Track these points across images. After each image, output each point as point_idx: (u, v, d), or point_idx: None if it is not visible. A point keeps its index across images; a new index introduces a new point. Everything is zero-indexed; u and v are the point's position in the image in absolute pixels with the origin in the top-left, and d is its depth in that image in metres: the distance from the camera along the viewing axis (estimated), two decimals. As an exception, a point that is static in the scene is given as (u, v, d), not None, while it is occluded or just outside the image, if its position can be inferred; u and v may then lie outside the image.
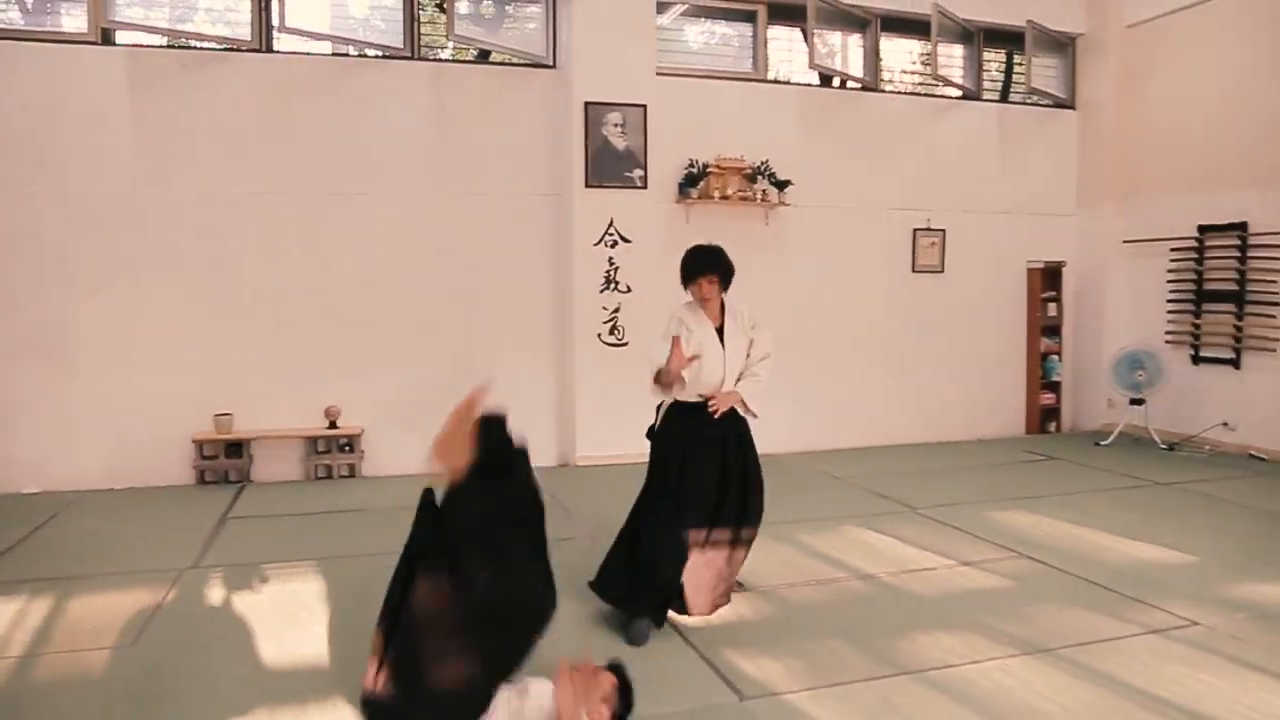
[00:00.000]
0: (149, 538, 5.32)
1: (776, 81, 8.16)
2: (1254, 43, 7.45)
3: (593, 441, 7.29)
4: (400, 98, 7.00)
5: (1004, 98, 8.93)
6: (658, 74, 7.38)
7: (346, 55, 7.07)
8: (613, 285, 7.29)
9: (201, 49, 6.77)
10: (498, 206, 7.24)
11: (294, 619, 4.05)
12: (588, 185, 7.15)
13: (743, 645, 3.77)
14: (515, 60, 7.38)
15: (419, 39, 7.14)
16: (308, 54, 6.96)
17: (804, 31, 7.97)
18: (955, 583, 4.58)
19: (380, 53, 7.10)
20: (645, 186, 7.32)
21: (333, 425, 6.88)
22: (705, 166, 7.56)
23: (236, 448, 6.72)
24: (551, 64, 7.35)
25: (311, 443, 6.87)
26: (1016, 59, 8.91)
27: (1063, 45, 8.83)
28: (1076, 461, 7.51)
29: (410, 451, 7.18)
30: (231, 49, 6.72)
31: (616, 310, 7.31)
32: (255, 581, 4.54)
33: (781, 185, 7.78)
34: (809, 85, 8.27)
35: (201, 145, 6.62)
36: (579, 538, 5.35)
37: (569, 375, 7.32)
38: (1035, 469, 7.31)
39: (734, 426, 4.19)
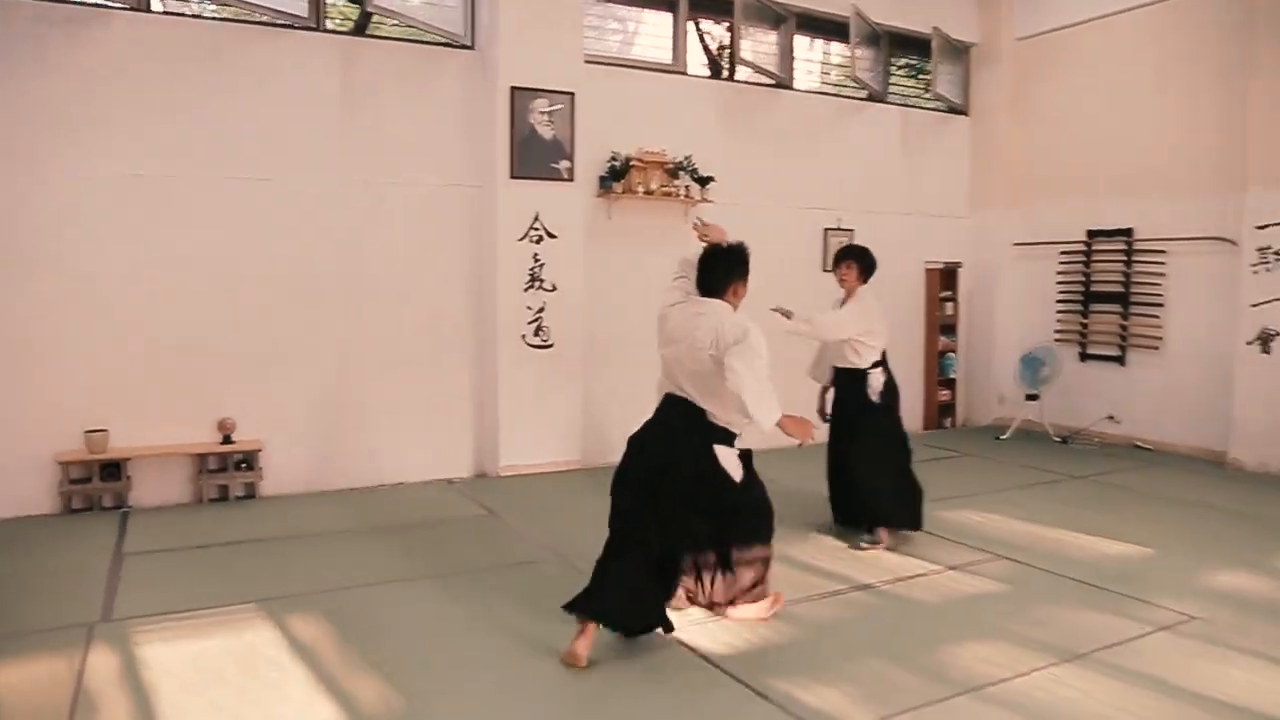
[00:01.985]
0: (29, 586, 4.44)
1: (697, 75, 7.96)
2: (1138, 60, 7.92)
3: (516, 450, 6.82)
4: (304, 73, 6.26)
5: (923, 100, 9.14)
6: (585, 62, 7.01)
7: (240, 21, 6.24)
8: (538, 283, 6.84)
9: (67, 2, 5.77)
10: (413, 197, 6.63)
11: (265, 679, 3.43)
12: (513, 176, 6.67)
13: (787, 673, 3.51)
14: (431, 39, 6.78)
15: (324, 8, 6.42)
16: (195, 16, 6.11)
17: (727, 26, 7.82)
18: (954, 588, 4.51)
19: (281, 21, 6.32)
20: (572, 179, 6.92)
21: (227, 440, 6.07)
22: (628, 160, 7.24)
23: (112, 468, 5.79)
24: (470, 45, 6.81)
25: (202, 460, 6.03)
26: (917, 63, 9.14)
27: (958, 53, 9.12)
28: (986, 457, 7.75)
29: (317, 467, 6.57)
30: (103, 5, 5.79)
31: (541, 310, 6.86)
32: (193, 634, 3.85)
33: (704, 181, 7.57)
34: (728, 80, 8.12)
35: (66, 118, 5.65)
36: (541, 560, 4.92)
37: (490, 379, 6.82)
38: (954, 466, 7.47)
39: None
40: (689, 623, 3.98)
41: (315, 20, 6.33)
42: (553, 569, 4.72)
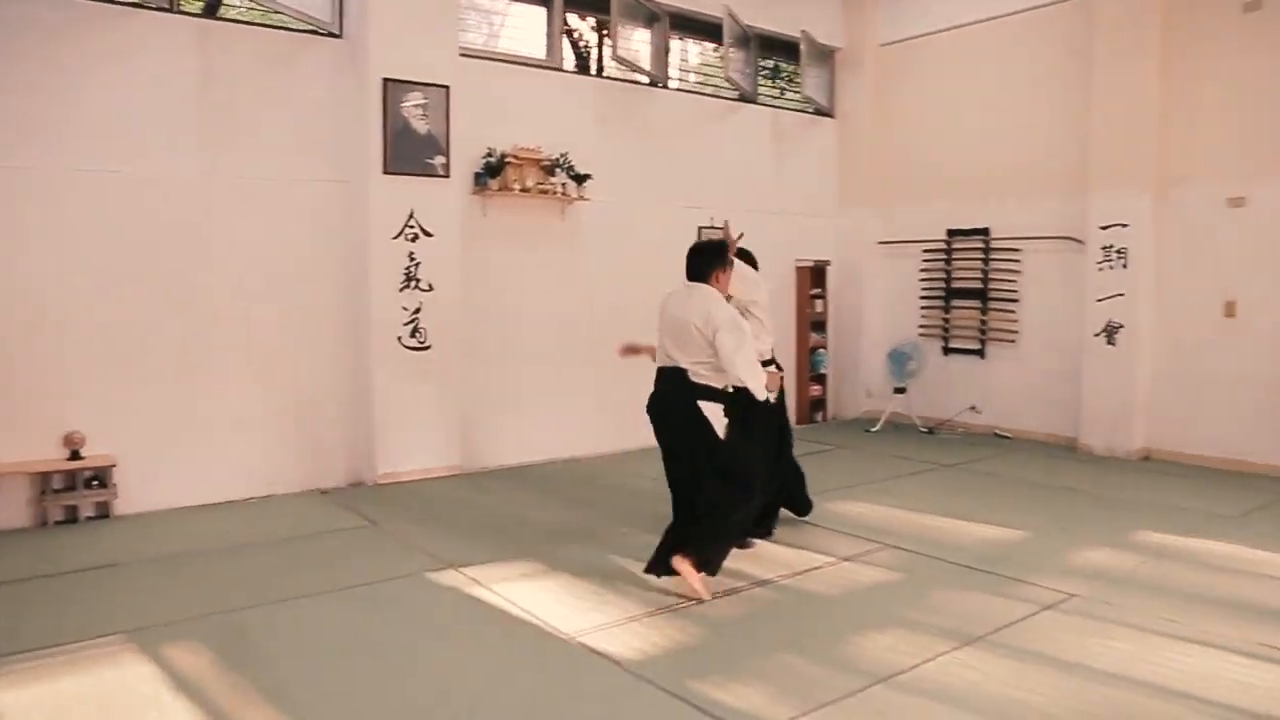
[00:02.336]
0: None
1: (573, 72, 7.86)
2: (994, 68, 8.35)
3: (394, 456, 6.54)
4: (156, 57, 5.78)
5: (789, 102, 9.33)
6: (459, 55, 6.79)
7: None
8: (413, 283, 6.58)
9: None
10: (278, 192, 6.24)
11: None
12: (386, 172, 6.38)
13: (702, 674, 3.47)
14: (295, 25, 6.41)
15: (176, -12, 5.96)
16: (28, -7, 5.55)
17: (603, 22, 7.75)
18: (850, 580, 4.59)
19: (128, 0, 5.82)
20: (448, 175, 6.69)
21: (75, 456, 5.54)
22: (504, 157, 7.07)
23: (-63, 492, 5.20)
24: (339, 33, 6.48)
25: (45, 479, 5.48)
26: (784, 66, 9.34)
27: (825, 57, 9.37)
28: (860, 449, 8.00)
29: (178, 481, 6.08)
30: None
31: (418, 310, 6.61)
32: (51, 675, 3.46)
33: (580, 179, 7.48)
34: (603, 78, 8.05)
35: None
36: (431, 571, 4.71)
37: (365, 383, 6.51)
38: (832, 458, 7.66)
39: None
40: (594, 628, 3.90)
41: (168, 0, 5.87)
42: (446, 580, 4.52)
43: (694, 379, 4.37)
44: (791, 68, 9.53)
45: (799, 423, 9.27)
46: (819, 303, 9.35)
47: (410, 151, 6.48)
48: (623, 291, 7.94)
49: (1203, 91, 7.01)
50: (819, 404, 9.44)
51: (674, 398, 4.41)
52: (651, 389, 4.56)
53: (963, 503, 6.07)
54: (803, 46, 8.84)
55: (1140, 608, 4.17)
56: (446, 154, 6.65)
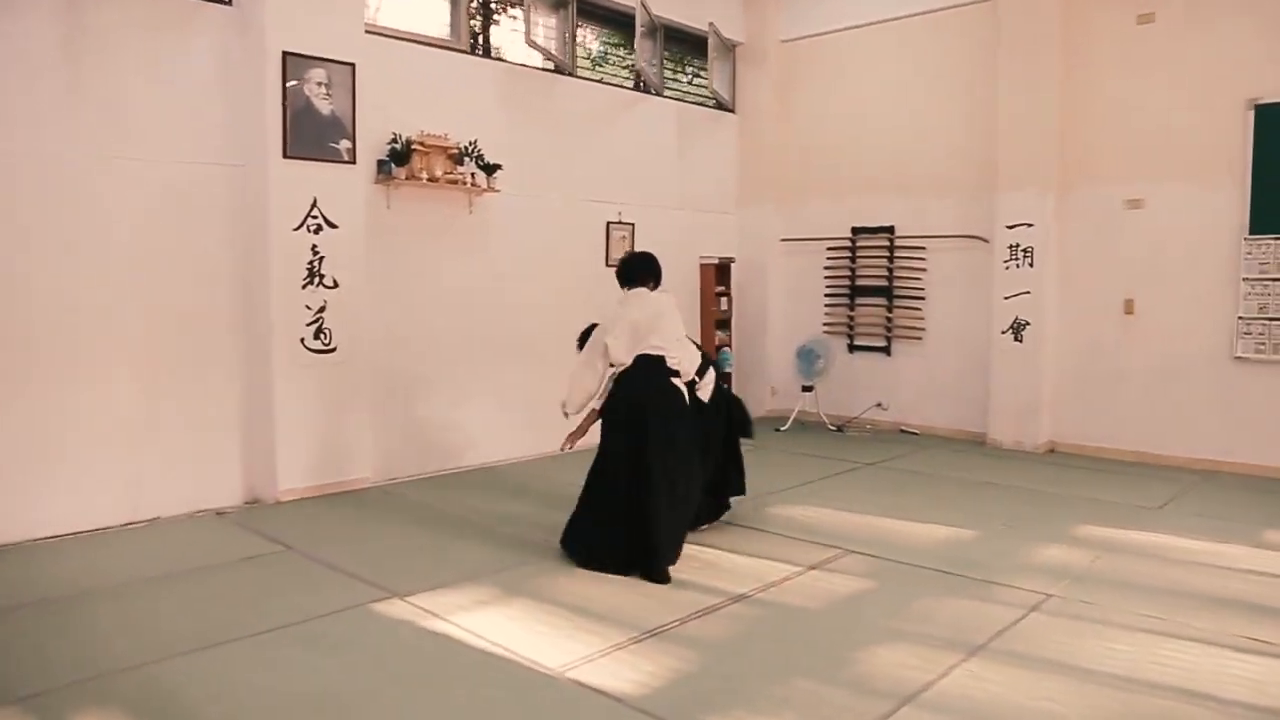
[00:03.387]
0: None
1: (479, 55, 7.35)
2: (899, 68, 8.44)
3: (298, 470, 5.91)
4: (18, 22, 4.95)
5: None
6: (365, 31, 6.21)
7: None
8: (317, 279, 5.96)
9: None
10: (162, 177, 5.49)
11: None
12: (286, 155, 5.74)
13: (717, 707, 3.17)
14: (174, -14, 5.66)
15: (34, -64, 5.12)
16: None
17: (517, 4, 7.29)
18: (826, 590, 4.40)
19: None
20: (354, 161, 6.10)
21: (-86, 484, 4.67)
22: (409, 143, 6.52)
23: None
24: (228, 0, 5.78)
25: (-125, 513, 4.60)
26: (687, 58, 9.13)
27: (726, 51, 9.24)
28: (775, 449, 7.89)
29: (43, 508, 5.21)
30: None
31: (322, 309, 5.99)
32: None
33: (490, 169, 7.02)
34: (509, 63, 7.59)
35: None
36: (366, 601, 4.20)
37: (263, 390, 5.84)
38: (751, 459, 7.40)
39: None
40: (580, 661, 3.54)
41: (24, -50, 5.03)
42: (394, 611, 4.03)
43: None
44: (694, 61, 9.34)
45: (705, 423, 9.11)
46: (724, 300, 9.22)
47: (313, 134, 5.86)
48: (533, 290, 7.56)
49: (1101, 98, 7.29)
50: (724, 403, 9.30)
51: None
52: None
53: (899, 502, 6.02)
54: (711, 40, 8.67)
55: (1118, 605, 4.17)
56: (352, 138, 6.06)
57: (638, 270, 5.11)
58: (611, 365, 4.89)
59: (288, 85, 5.70)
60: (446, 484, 6.54)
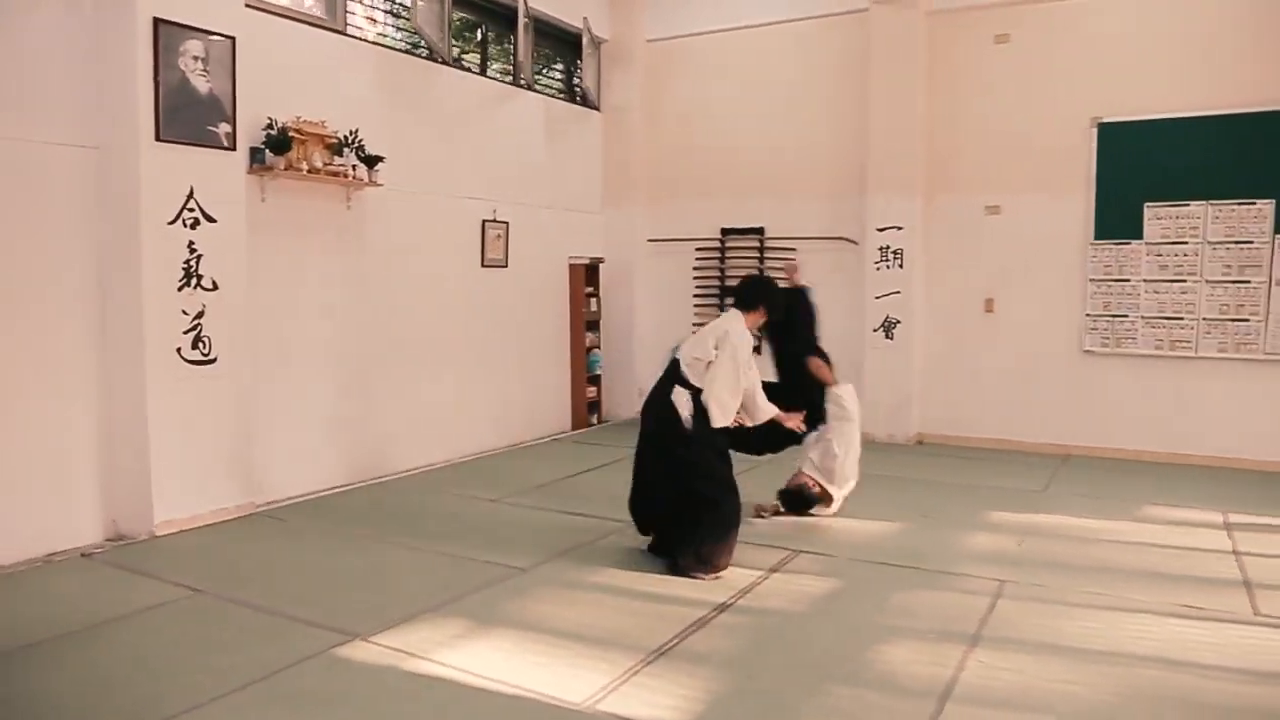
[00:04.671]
0: None
1: (357, 37, 6.77)
2: (771, 72, 8.60)
3: (176, 499, 5.19)
4: None
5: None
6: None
7: None
8: (195, 280, 5.26)
9: None
10: (2, 160, 4.64)
11: None
12: (160, 139, 5.01)
13: (778, 723, 3.07)
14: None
15: None
16: None
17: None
18: (800, 591, 4.38)
19: None
20: (233, 148, 5.43)
21: None
22: (285, 130, 5.91)
23: None
24: (84, -48, 4.95)
25: None
26: (553, 54, 8.89)
27: (594, 48, 9.07)
28: (662, 450, 7.84)
29: None
30: None
31: (201, 314, 5.29)
32: None
33: (372, 161, 6.50)
34: (386, 48, 7.04)
35: None
36: (330, 647, 3.74)
37: (134, 408, 5.07)
38: (645, 462, 7.40)
39: None
40: (602, 691, 3.30)
41: None
42: (365, 655, 3.60)
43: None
44: (559, 57, 9.11)
45: (575, 427, 8.94)
46: (593, 301, 9.07)
47: (190, 115, 5.16)
48: (412, 290, 7.11)
49: (963, 111, 7.80)
50: (594, 406, 9.16)
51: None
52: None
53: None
54: (585, 36, 8.49)
55: (1064, 585, 4.43)
56: (232, 122, 5.40)
57: (738, 289, 5.28)
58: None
59: (160, 57, 4.98)
60: (336, 504, 5.99)
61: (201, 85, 5.21)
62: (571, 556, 4.88)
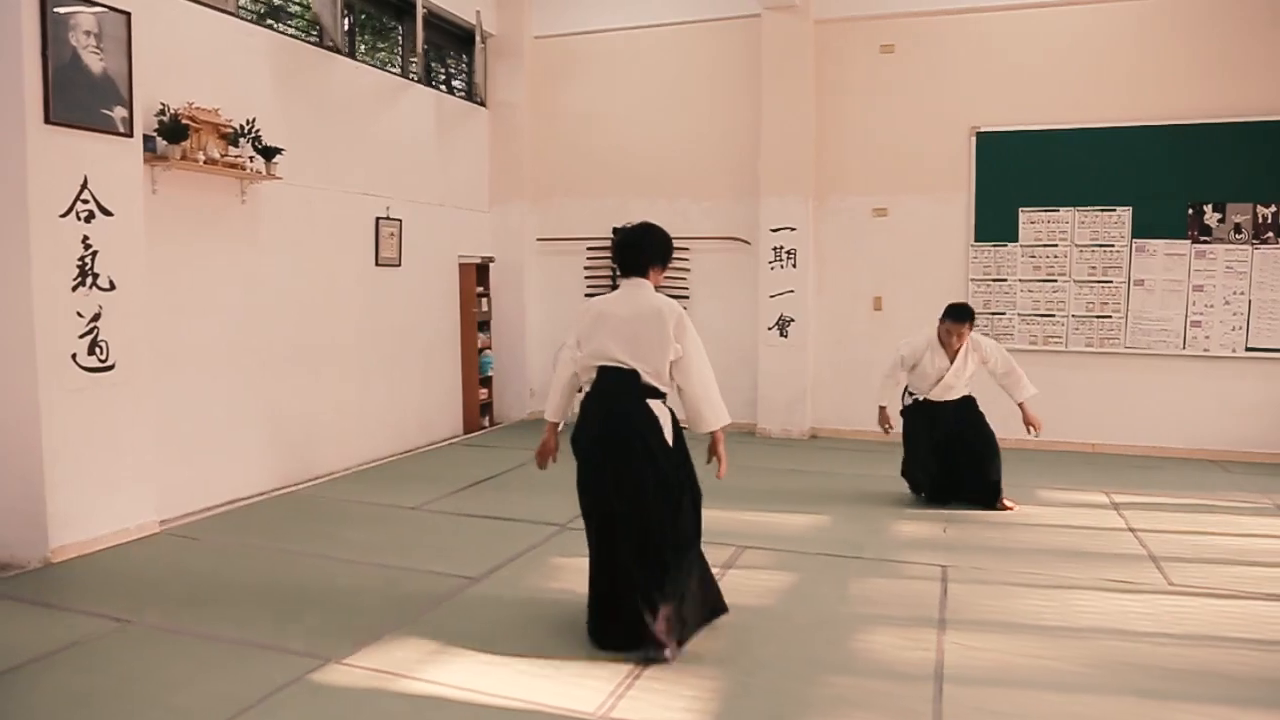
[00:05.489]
0: None
1: (248, 20, 6.31)
2: (663, 73, 8.66)
3: (74, 520, 4.69)
4: None
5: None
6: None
7: None
8: (90, 279, 4.75)
9: None
10: None
11: None
12: (49, 121, 4.50)
13: None
14: None
15: None
16: None
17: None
18: (763, 586, 4.44)
19: None
20: (130, 134, 4.95)
21: None
22: (177, 116, 5.44)
23: None
24: (-44, -92, 4.37)
25: None
26: (441, 47, 8.60)
27: (481, 43, 8.85)
28: (564, 450, 7.73)
29: None
30: None
31: (97, 317, 4.79)
32: None
33: (270, 153, 6.09)
34: (280, 33, 6.60)
35: None
36: (300, 678, 3.49)
37: (24, 423, 4.54)
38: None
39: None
40: (611, 698, 3.24)
41: None
42: (347, 679, 3.37)
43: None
44: (447, 50, 8.83)
45: (468, 430, 8.71)
46: (484, 301, 8.85)
47: (82, 96, 4.66)
48: (308, 290, 6.73)
49: (850, 116, 8.13)
50: (486, 408, 8.94)
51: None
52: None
53: (734, 495, 6.17)
54: (479, 30, 8.26)
55: (1001, 567, 4.71)
56: (129, 105, 4.92)
57: (628, 250, 3.81)
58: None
59: (48, 30, 4.46)
60: (245, 518, 5.58)
61: (94, 64, 4.71)
62: (519, 564, 4.74)
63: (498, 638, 3.77)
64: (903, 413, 6.20)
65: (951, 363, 5.84)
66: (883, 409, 6.17)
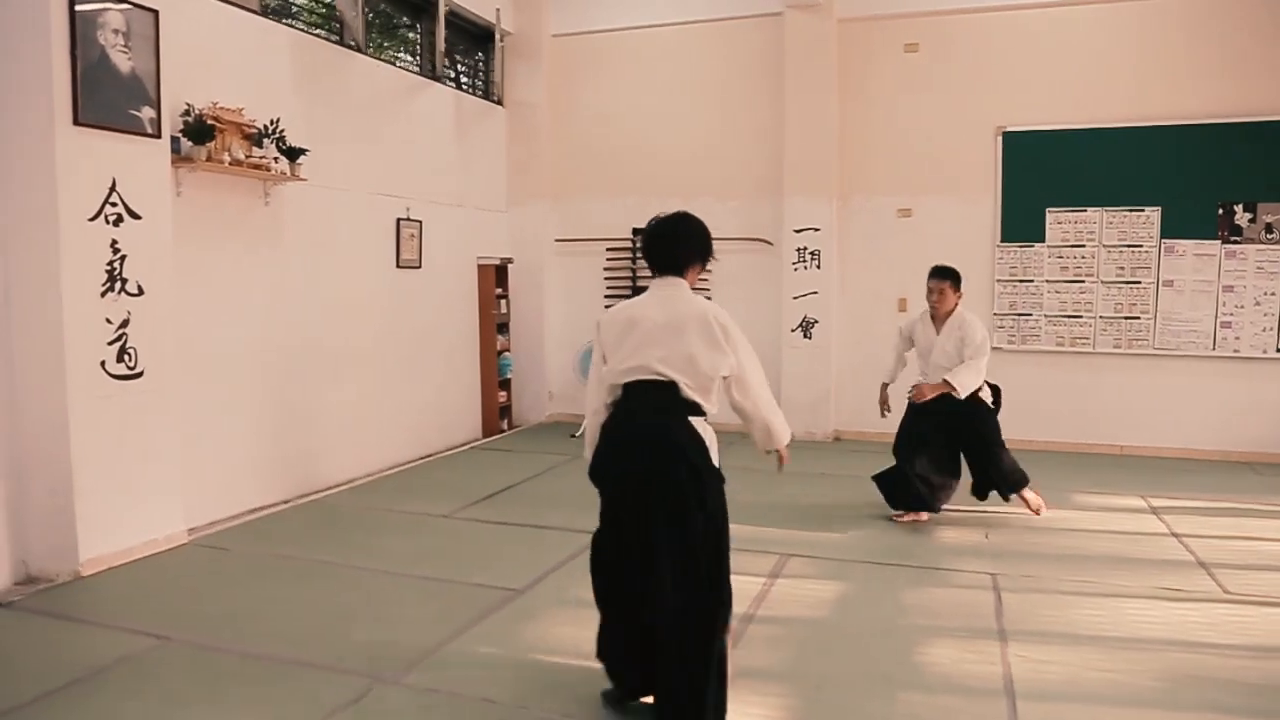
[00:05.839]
0: None
1: (267, 16, 6.18)
2: (685, 71, 8.54)
3: (105, 531, 4.58)
4: None
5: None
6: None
7: None
8: (119, 284, 4.63)
9: None
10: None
11: None
12: (78, 122, 4.37)
13: None
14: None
15: None
16: None
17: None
18: (812, 596, 4.36)
19: None
20: (158, 135, 4.83)
21: None
22: (202, 116, 5.32)
23: None
24: (-18, -97, 4.24)
25: None
26: (461, 46, 8.48)
27: (494, 41, 8.73)
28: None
29: None
30: None
31: (126, 323, 4.67)
32: None
33: (294, 154, 5.97)
34: (302, 30, 6.48)
35: None
36: (377, 689, 3.39)
37: (53, 431, 4.41)
38: (579, 466, 7.15)
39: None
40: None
41: None
42: (398, 699, 3.26)
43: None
44: (459, 48, 8.71)
45: (486, 433, 8.60)
46: (503, 303, 8.73)
47: (111, 97, 4.54)
48: (332, 294, 6.63)
49: (875, 116, 8.04)
50: (505, 411, 8.83)
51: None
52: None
53: (767, 500, 6.10)
54: (498, 28, 8.14)
55: (1050, 575, 4.63)
56: (156, 106, 4.80)
57: (661, 243, 3.32)
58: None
59: (77, 28, 4.34)
60: (273, 527, 5.47)
61: (123, 63, 4.59)
62: (561, 574, 4.64)
63: (552, 651, 3.68)
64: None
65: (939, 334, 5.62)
66: (884, 387, 6.08)
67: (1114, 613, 4.13)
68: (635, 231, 8.81)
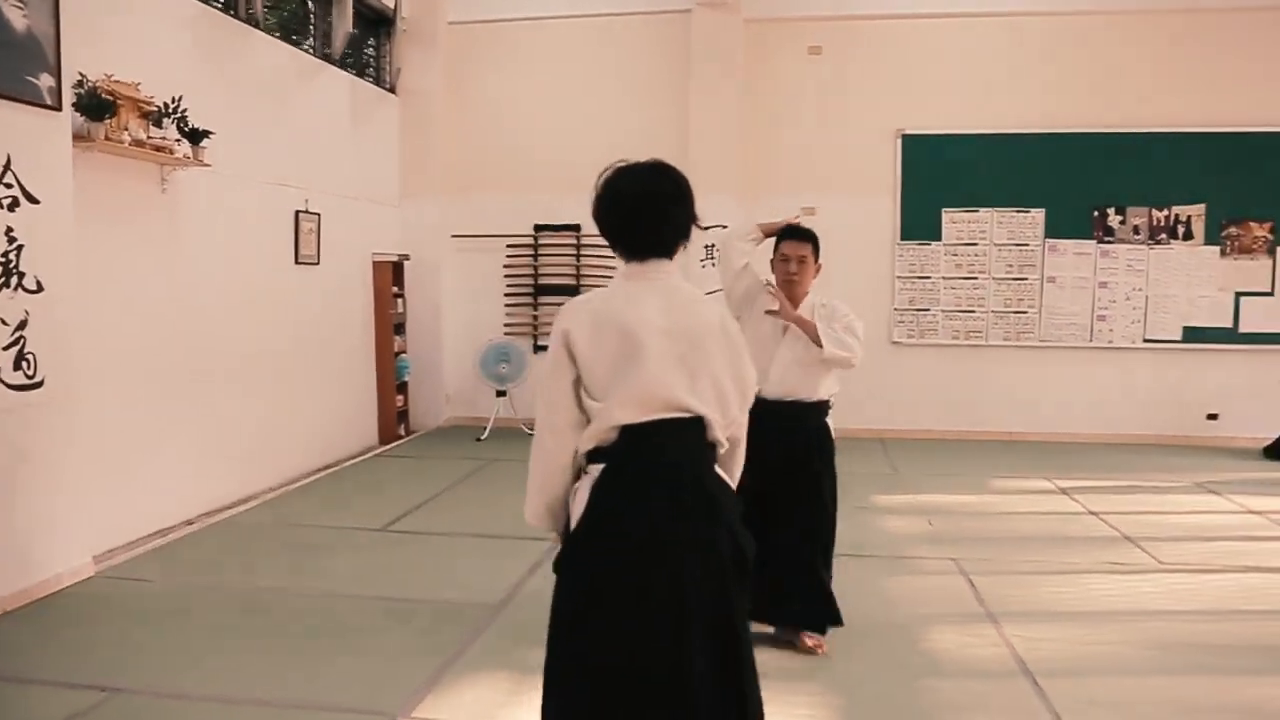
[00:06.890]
0: None
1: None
2: (586, 64, 8.39)
3: (9, 567, 3.94)
4: None
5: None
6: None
7: None
8: (16, 280, 4.02)
9: None
10: None
11: None
12: (-32, 89, 3.77)
13: (928, 728, 3.00)
14: None
15: None
16: None
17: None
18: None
19: None
20: (59, 107, 4.24)
21: None
22: (97, 89, 4.72)
23: None
24: None
25: None
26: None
27: (384, 24, 8.26)
28: (505, 459, 7.32)
29: None
30: None
31: (23, 325, 4.06)
32: None
33: (197, 137, 5.41)
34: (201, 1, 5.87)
35: None
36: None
37: (-62, 453, 3.78)
38: (499, 471, 6.89)
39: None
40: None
41: None
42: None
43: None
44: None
45: (383, 440, 8.13)
46: (399, 302, 8.28)
47: (4, 59, 3.93)
48: (229, 290, 6.07)
49: (779, 115, 8.16)
50: (402, 415, 8.37)
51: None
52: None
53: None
54: (397, 9, 7.68)
55: (1004, 557, 4.82)
56: (57, 74, 4.21)
57: (645, 204, 2.26)
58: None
59: (-31, -17, 3.74)
60: (189, 552, 4.91)
61: (17, 20, 3.99)
62: (534, 584, 4.38)
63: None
64: None
65: (785, 329, 3.78)
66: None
67: (1077, 588, 4.35)
68: (537, 228, 8.60)
